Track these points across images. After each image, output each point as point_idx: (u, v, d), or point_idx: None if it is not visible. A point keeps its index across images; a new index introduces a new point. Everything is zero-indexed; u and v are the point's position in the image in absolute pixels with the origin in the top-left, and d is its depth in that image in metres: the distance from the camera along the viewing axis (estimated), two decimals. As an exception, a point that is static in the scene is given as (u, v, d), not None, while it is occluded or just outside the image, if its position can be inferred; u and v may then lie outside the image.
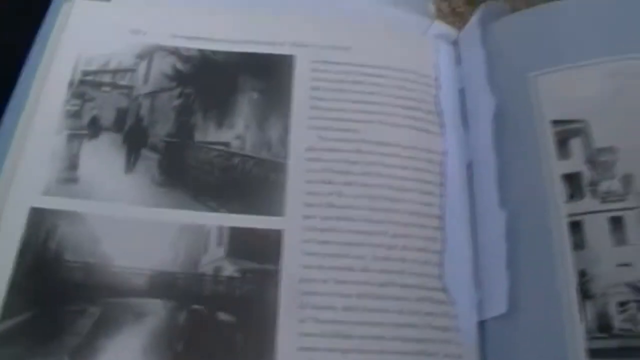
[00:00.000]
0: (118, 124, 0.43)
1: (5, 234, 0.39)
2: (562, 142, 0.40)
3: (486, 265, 0.41)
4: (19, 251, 0.38)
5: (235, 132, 0.43)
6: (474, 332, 0.39)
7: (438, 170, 0.43)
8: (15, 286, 0.38)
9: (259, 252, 0.40)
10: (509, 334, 0.38)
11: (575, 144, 0.40)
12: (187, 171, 0.42)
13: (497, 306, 0.38)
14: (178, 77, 0.45)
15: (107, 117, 0.43)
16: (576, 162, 0.40)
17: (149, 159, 0.42)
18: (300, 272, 0.39)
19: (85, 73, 0.45)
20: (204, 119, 0.44)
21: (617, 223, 0.38)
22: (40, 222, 0.39)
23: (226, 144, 0.43)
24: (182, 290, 0.38)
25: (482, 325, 0.39)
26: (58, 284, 0.38)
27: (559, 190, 0.39)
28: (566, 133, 0.41)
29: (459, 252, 0.41)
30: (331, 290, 0.39)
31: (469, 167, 0.44)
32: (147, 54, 0.46)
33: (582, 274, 0.37)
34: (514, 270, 0.39)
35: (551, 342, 0.36)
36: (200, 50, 0.46)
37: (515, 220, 0.40)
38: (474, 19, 0.47)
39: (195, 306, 0.38)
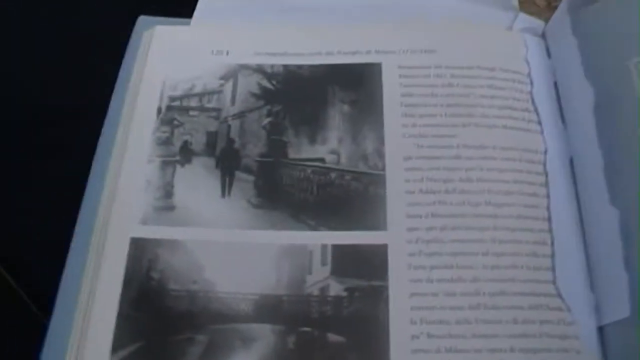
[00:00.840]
0: (209, 148, 0.43)
1: (109, 266, 0.39)
2: (674, 131, 0.38)
3: (601, 266, 0.38)
4: (124, 282, 0.38)
5: (329, 147, 0.42)
6: (594, 339, 0.37)
7: (541, 170, 0.41)
8: (123, 317, 0.37)
9: (364, 268, 0.38)
10: (633, 340, 0.36)
11: (689, 132, 0.38)
12: (284, 190, 0.41)
13: (619, 310, 0.36)
14: (265, 95, 0.44)
15: (198, 141, 0.43)
16: (692, 151, 0.37)
17: (244, 181, 0.41)
18: (409, 286, 0.38)
19: (172, 99, 0.44)
20: (296, 136, 0.43)
21: None
22: (141, 252, 0.39)
23: (321, 160, 0.42)
24: (289, 313, 0.38)
25: (601, 331, 0.37)
26: (164, 314, 0.38)
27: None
28: (677, 121, 0.38)
29: (570, 255, 0.39)
30: (442, 303, 0.37)
31: (571, 163, 0.42)
32: (232, 74, 0.45)
33: None
34: (633, 271, 0.36)
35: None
36: (285, 66, 0.45)
37: (630, 216, 0.37)
38: (562, 8, 0.45)
39: (304, 328, 0.37)
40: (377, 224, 0.39)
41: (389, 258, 0.38)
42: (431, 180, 0.40)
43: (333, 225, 0.40)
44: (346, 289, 0.38)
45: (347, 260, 0.39)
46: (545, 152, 0.42)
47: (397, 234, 0.39)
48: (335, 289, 0.38)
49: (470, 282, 0.38)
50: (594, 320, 0.37)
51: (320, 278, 0.38)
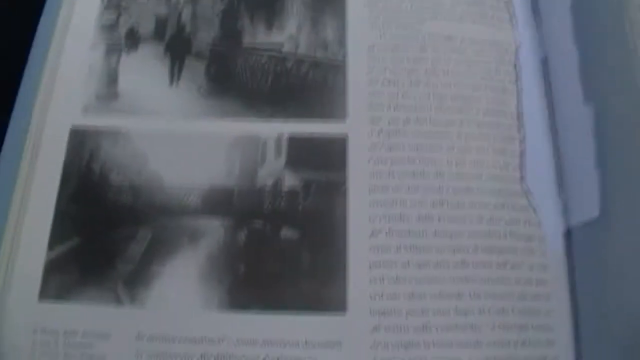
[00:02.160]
0: (158, 34, 0.38)
1: (46, 158, 0.35)
2: (654, 26, 0.34)
3: (572, 166, 0.35)
4: (62, 175, 0.35)
5: (287, 34, 0.38)
6: (560, 241, 0.35)
7: (511, 66, 0.37)
8: (61, 212, 0.34)
9: (322, 161, 0.35)
10: (600, 242, 0.33)
11: (669, 27, 0.34)
12: (237, 78, 0.37)
13: (588, 210, 0.33)
14: (219, -21, 0.40)
15: (146, 27, 0.38)
16: (671, 46, 0.34)
17: (195, 68, 0.37)
18: (369, 180, 0.34)
19: (119, -18, 0.40)
20: (251, 22, 0.38)
21: None
22: (82, 142, 0.35)
23: (278, 47, 0.37)
24: (239, 206, 0.34)
25: (567, 233, 0.35)
26: (105, 208, 0.34)
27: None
28: (658, 15, 0.34)
29: (539, 154, 0.36)
30: (403, 198, 0.34)
31: (544, 62, 0.38)
32: (184, -45, 0.40)
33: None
34: (603, 171, 0.33)
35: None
36: (241, -53, 0.40)
37: (603, 115, 0.34)
38: None
39: (256, 223, 0.34)
40: (337, 114, 0.36)
41: (349, 150, 0.35)
42: (395, 71, 0.36)
43: (289, 115, 0.36)
44: (302, 182, 0.34)
45: (303, 152, 0.35)
46: (518, 48, 0.38)
47: (358, 125, 0.35)
48: (290, 181, 0.34)
49: (433, 178, 0.34)
50: (561, 223, 0.35)
51: (273, 170, 0.35)
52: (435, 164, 0.35)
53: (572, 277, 0.34)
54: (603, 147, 0.34)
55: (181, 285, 0.33)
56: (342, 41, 0.37)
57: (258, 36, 0.38)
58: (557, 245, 0.34)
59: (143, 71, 0.37)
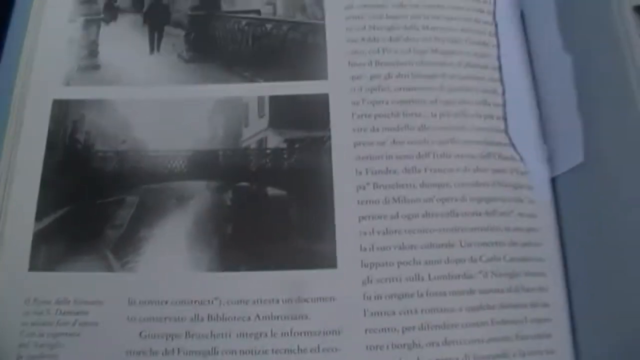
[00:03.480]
0: (136, 5, 0.37)
1: (30, 131, 0.34)
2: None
3: (554, 114, 0.35)
4: (47, 147, 0.34)
5: (265, -1, 0.37)
6: (547, 189, 0.34)
7: (490, 20, 0.37)
8: (47, 183, 0.33)
9: (305, 119, 0.34)
10: (586, 188, 0.32)
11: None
12: (217, 43, 0.36)
13: (572, 157, 0.33)
14: (195, -54, 0.39)
15: (125, -2, 0.38)
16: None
17: (175, 36, 0.36)
18: (353, 135, 0.33)
19: (95, -45, 0.39)
20: (229, -12, 0.37)
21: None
22: (65, 114, 0.34)
23: (256, 12, 0.37)
24: (225, 168, 0.33)
25: (553, 182, 0.34)
26: (91, 177, 0.33)
27: (632, 25, 0.32)
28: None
29: (521, 105, 0.35)
30: (389, 152, 0.33)
31: (522, 16, 0.38)
32: None
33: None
34: (587, 117, 0.32)
35: (634, 191, 0.30)
36: None
37: (583, 63, 0.33)
38: None
39: (242, 183, 0.33)
40: (317, 74, 0.35)
41: (331, 107, 0.34)
42: (374, 29, 0.36)
43: (270, 76, 0.35)
44: (286, 141, 0.33)
45: (285, 111, 0.34)
46: (495, 1, 0.37)
47: (339, 83, 0.34)
48: (274, 141, 0.34)
49: (418, 130, 0.34)
50: (547, 171, 0.34)
51: (257, 130, 0.34)
52: (419, 117, 0.34)
53: (560, 224, 0.34)
54: (585, 92, 0.33)
55: (170, 248, 0.32)
56: (319, 3, 0.36)
57: (236, 2, 0.37)
58: (544, 193, 0.34)
59: (123, 42, 0.36)
